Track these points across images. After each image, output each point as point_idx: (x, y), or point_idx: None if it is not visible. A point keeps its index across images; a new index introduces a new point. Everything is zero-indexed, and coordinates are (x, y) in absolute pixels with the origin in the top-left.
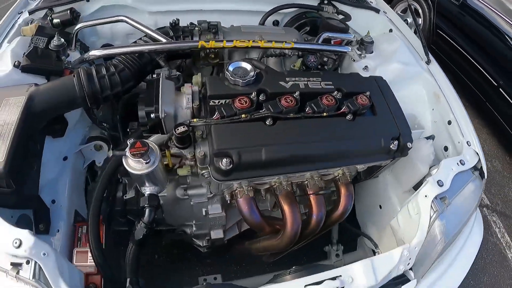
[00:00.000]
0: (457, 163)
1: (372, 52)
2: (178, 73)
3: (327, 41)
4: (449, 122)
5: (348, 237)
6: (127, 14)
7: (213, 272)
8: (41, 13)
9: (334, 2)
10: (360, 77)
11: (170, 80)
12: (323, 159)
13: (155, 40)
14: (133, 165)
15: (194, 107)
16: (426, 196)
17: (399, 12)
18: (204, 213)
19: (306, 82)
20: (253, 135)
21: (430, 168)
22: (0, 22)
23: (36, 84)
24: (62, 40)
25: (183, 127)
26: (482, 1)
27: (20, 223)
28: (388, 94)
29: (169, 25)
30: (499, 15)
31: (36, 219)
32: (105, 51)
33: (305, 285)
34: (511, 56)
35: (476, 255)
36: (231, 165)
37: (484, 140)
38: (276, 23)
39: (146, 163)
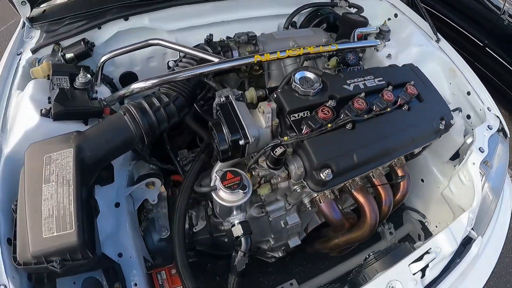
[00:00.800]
0: (486, 129)
1: (389, 40)
2: (240, 92)
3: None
4: (468, 93)
5: (394, 214)
6: (145, 36)
7: (279, 280)
8: (47, 50)
9: None
10: (398, 68)
11: (239, 101)
12: (395, 151)
13: (200, 60)
14: (227, 197)
15: (273, 125)
16: (473, 163)
17: None
18: (282, 225)
19: (364, 82)
20: (342, 142)
21: (464, 137)
22: (1, 69)
23: (78, 132)
24: (89, 76)
25: (280, 148)
26: None
27: None
28: (424, 79)
29: (204, 41)
30: None
31: (109, 280)
32: (150, 81)
33: (409, 264)
34: (491, 16)
35: None
36: (332, 175)
37: None
38: (293, 24)
39: (244, 192)
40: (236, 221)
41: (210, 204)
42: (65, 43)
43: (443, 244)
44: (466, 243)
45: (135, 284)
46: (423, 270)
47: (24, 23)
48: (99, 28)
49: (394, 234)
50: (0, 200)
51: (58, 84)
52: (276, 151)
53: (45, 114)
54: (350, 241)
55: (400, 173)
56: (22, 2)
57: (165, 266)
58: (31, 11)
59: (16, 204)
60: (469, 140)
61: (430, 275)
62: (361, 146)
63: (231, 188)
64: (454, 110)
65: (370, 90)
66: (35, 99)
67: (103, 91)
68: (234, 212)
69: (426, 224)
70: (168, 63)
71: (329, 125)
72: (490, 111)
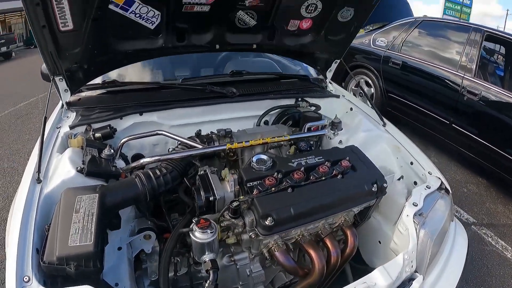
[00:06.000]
0: (425, 188)
1: (342, 129)
2: (215, 169)
3: (309, 129)
4: (411, 163)
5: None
6: (153, 128)
7: None
8: (81, 128)
9: (306, 99)
10: (339, 149)
11: (214, 174)
12: (329, 208)
13: (191, 147)
14: (200, 236)
15: (236, 190)
16: (407, 215)
17: (353, 87)
18: (248, 273)
19: (305, 160)
20: (282, 200)
21: (407, 199)
22: (45, 136)
23: (102, 185)
24: (112, 151)
25: (236, 202)
26: (418, 59)
27: None
28: (360, 155)
29: (194, 134)
30: (434, 66)
31: None
32: (155, 157)
33: None
34: (453, 94)
35: (479, 265)
36: (273, 222)
37: (454, 172)
38: (266, 122)
39: (211, 232)
40: (207, 258)
41: (192, 254)
42: (94, 126)
43: (377, 278)
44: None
45: None
46: None
47: (63, 105)
48: (121, 118)
49: None
50: (36, 222)
51: (90, 152)
52: (232, 204)
53: (80, 171)
54: (305, 286)
55: (348, 233)
56: (65, 90)
57: None
58: (70, 97)
59: (49, 225)
60: (408, 200)
61: None
62: (297, 202)
63: (203, 229)
64: (398, 179)
65: (310, 165)
66: (72, 160)
67: (120, 164)
68: (206, 251)
69: None
70: (168, 150)
71: (273, 188)
72: (431, 174)
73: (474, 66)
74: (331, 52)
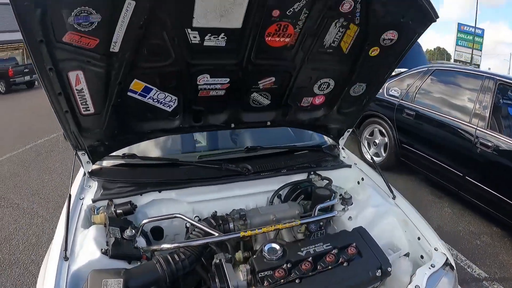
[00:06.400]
0: (429, 267)
1: (352, 203)
2: (230, 256)
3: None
4: (419, 238)
5: None
6: (171, 204)
7: None
8: (103, 202)
9: (318, 172)
10: (347, 232)
11: (228, 263)
12: None
13: (207, 234)
14: None
15: (248, 279)
16: None
17: (367, 135)
18: None
19: (314, 248)
20: None
21: (411, 277)
22: (70, 206)
23: (126, 269)
24: (134, 231)
25: None
26: (431, 110)
27: None
28: (367, 238)
29: (210, 215)
30: (448, 117)
31: None
32: (174, 244)
33: None
34: (468, 145)
35: None
36: None
37: (468, 222)
38: (279, 196)
39: None
40: None
41: None
42: (116, 200)
43: None
44: None
45: None
46: None
47: (85, 173)
48: (141, 195)
49: None
50: None
51: (113, 233)
52: None
53: (104, 252)
54: None
55: None
56: (87, 161)
57: None
58: (91, 166)
59: None
60: (414, 278)
61: None
62: None
63: None
64: (405, 255)
65: (318, 253)
66: (97, 240)
67: (141, 241)
68: None
69: None
70: (186, 224)
71: (282, 280)
72: (437, 250)
73: (488, 115)
74: (344, 123)
